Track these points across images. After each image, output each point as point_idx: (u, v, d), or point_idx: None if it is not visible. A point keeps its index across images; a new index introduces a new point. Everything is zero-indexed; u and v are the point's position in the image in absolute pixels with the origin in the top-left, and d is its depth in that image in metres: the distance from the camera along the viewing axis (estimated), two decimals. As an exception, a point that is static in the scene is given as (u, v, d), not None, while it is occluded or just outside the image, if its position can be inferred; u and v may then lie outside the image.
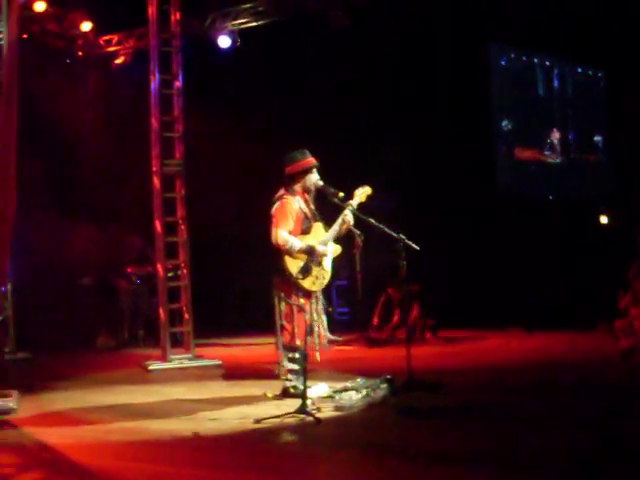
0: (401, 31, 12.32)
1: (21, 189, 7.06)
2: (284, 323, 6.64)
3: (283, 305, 6.64)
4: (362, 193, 6.90)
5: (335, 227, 6.75)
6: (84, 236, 11.86)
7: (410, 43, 12.55)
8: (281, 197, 6.67)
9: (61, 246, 11.65)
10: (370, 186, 6.96)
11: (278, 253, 6.51)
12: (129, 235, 11.89)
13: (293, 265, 6.50)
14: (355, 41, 12.03)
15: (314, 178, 6.76)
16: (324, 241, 6.68)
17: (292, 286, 6.55)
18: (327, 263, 6.74)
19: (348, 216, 6.75)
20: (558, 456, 4.49)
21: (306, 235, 6.64)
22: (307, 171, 6.72)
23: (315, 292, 6.71)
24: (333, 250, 6.80)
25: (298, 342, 6.50)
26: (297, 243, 6.51)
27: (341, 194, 6.73)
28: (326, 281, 6.76)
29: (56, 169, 11.82)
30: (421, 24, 12.37)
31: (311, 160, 6.75)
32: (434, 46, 12.64)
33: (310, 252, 6.55)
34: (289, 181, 6.73)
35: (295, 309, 6.54)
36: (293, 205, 6.63)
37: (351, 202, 6.80)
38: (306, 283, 6.55)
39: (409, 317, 9.09)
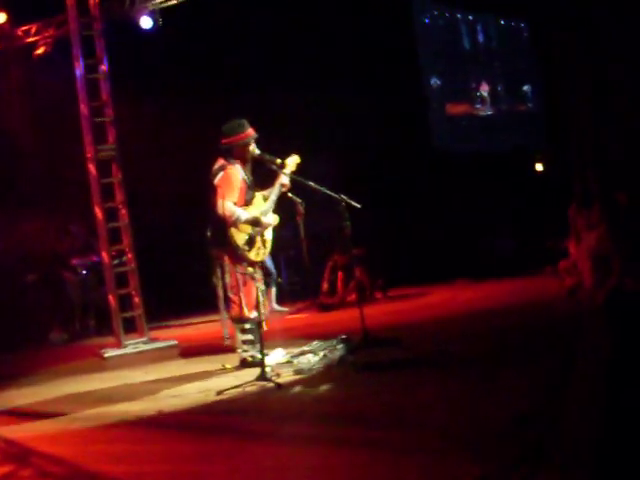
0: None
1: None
2: (231, 295, 6.66)
3: (228, 277, 6.66)
4: (293, 162, 6.89)
5: (272, 197, 6.77)
6: (25, 232, 11.64)
7: (333, 7, 12.53)
8: (224, 167, 6.60)
9: (2, 244, 11.41)
10: (305, 151, 6.98)
11: (223, 225, 6.47)
12: (72, 225, 11.72)
13: (239, 237, 6.48)
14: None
15: (252, 149, 6.74)
16: (264, 211, 6.69)
17: (237, 258, 6.55)
18: (268, 233, 6.76)
19: (283, 178, 6.76)
20: (519, 392, 4.61)
21: (249, 206, 6.64)
22: (247, 143, 6.68)
23: (258, 263, 6.73)
24: (273, 219, 6.84)
25: (249, 311, 6.53)
26: (243, 214, 6.50)
27: (278, 160, 6.74)
28: (268, 251, 6.80)
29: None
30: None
31: (250, 132, 6.70)
32: (359, 9, 12.65)
33: (256, 223, 6.56)
34: (227, 152, 6.68)
35: (241, 279, 6.55)
36: (237, 175, 6.61)
37: (284, 171, 6.80)
38: (252, 254, 6.55)
39: (357, 279, 9.19)
